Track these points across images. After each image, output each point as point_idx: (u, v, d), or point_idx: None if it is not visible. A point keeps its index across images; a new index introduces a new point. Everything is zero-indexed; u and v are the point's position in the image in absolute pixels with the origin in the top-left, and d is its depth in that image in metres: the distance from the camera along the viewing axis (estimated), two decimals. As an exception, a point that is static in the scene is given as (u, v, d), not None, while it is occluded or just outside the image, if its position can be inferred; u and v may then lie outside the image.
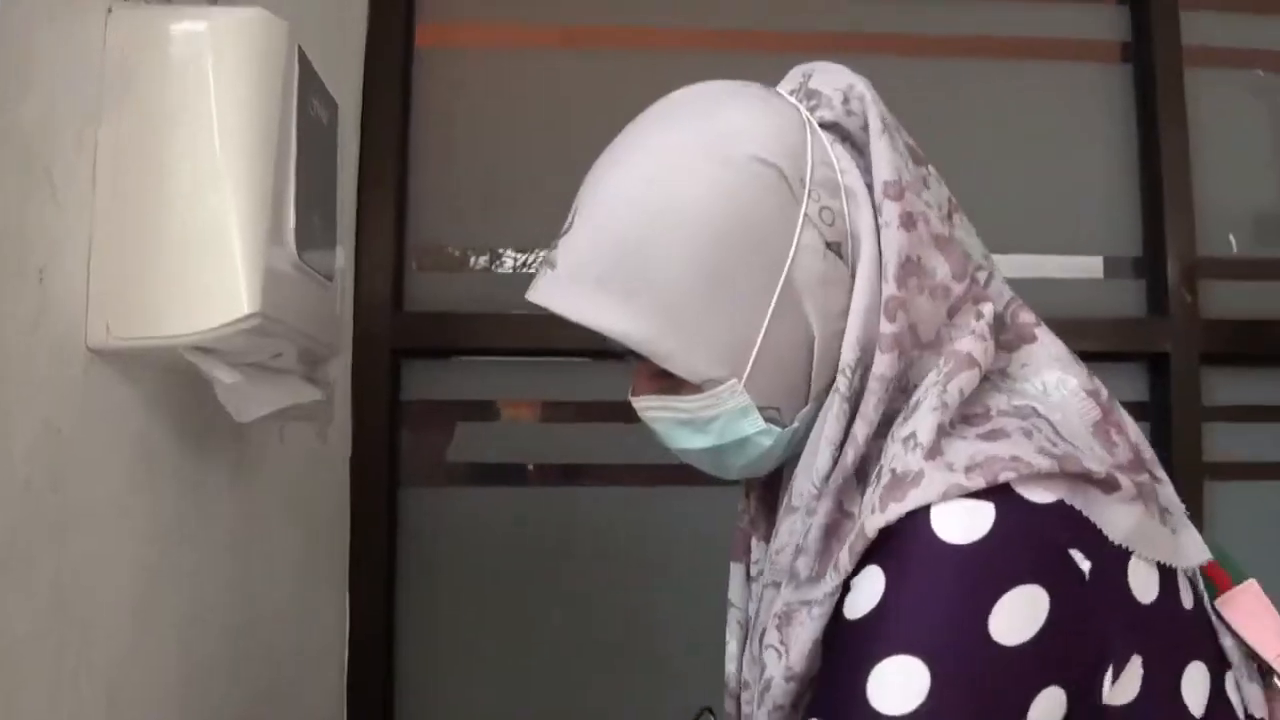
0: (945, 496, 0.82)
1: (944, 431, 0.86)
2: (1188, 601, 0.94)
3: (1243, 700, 0.95)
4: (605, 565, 2.08)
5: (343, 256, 1.33)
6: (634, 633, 2.07)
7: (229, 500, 1.33)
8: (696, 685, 1.24)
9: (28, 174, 0.87)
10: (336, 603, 1.92)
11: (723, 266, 0.89)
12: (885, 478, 0.86)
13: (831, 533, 0.90)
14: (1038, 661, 0.82)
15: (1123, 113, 2.26)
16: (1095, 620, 0.85)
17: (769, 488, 1.05)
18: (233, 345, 1.01)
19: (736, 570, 1.09)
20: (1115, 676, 0.86)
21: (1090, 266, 2.25)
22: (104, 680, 1.00)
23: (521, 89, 2.18)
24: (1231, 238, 2.29)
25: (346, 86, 1.94)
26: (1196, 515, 2.38)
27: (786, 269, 0.90)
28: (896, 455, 0.87)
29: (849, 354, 0.91)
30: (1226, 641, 0.96)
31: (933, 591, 0.82)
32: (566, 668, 2.07)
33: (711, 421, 0.94)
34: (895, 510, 0.84)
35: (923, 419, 0.87)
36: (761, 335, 0.90)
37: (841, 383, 0.91)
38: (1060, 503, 0.84)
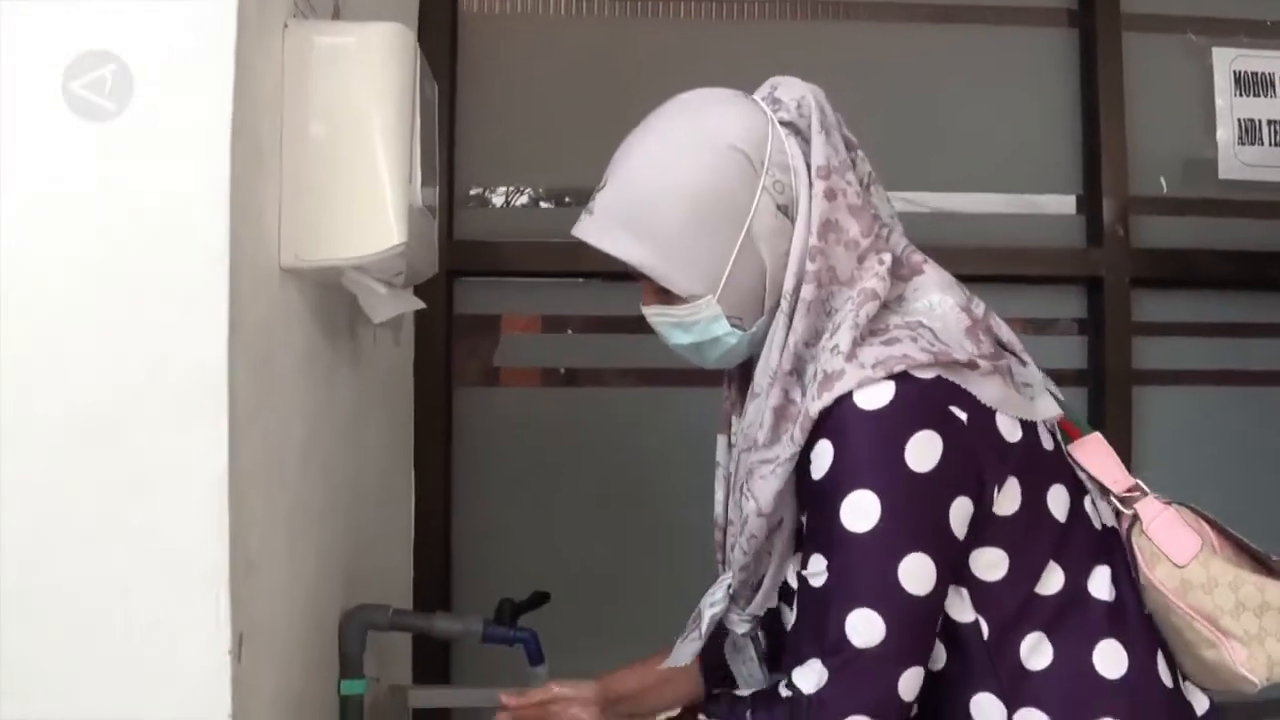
0: (860, 384, 1.22)
1: (856, 343, 1.25)
2: (1048, 444, 1.35)
3: (1099, 515, 1.37)
4: (622, 452, 2.50)
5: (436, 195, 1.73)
6: (651, 506, 2.49)
7: (348, 386, 1.73)
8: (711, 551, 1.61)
9: (242, 149, 1.25)
10: (405, 480, 2.34)
11: (705, 218, 1.30)
12: (819, 377, 1.25)
13: (779, 413, 1.31)
14: (944, 480, 1.23)
15: (1067, 71, 2.66)
16: (976, 452, 1.26)
17: (744, 379, 1.43)
18: (379, 266, 1.41)
19: (721, 440, 1.49)
20: (998, 490, 1.28)
21: (1037, 204, 2.69)
22: (287, 500, 1.40)
23: (550, 54, 2.60)
24: (1162, 180, 2.68)
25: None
26: (1125, 415, 2.79)
27: (748, 222, 1.30)
28: (825, 360, 1.26)
29: (788, 283, 1.31)
30: (1081, 475, 1.37)
31: (865, 444, 1.23)
32: (595, 534, 2.51)
33: (695, 324, 1.34)
34: (828, 397, 1.24)
35: (843, 335, 1.26)
36: (729, 266, 1.31)
37: (783, 303, 1.30)
38: (939, 378, 1.24)
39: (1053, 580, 1.30)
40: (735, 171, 1.30)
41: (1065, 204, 2.67)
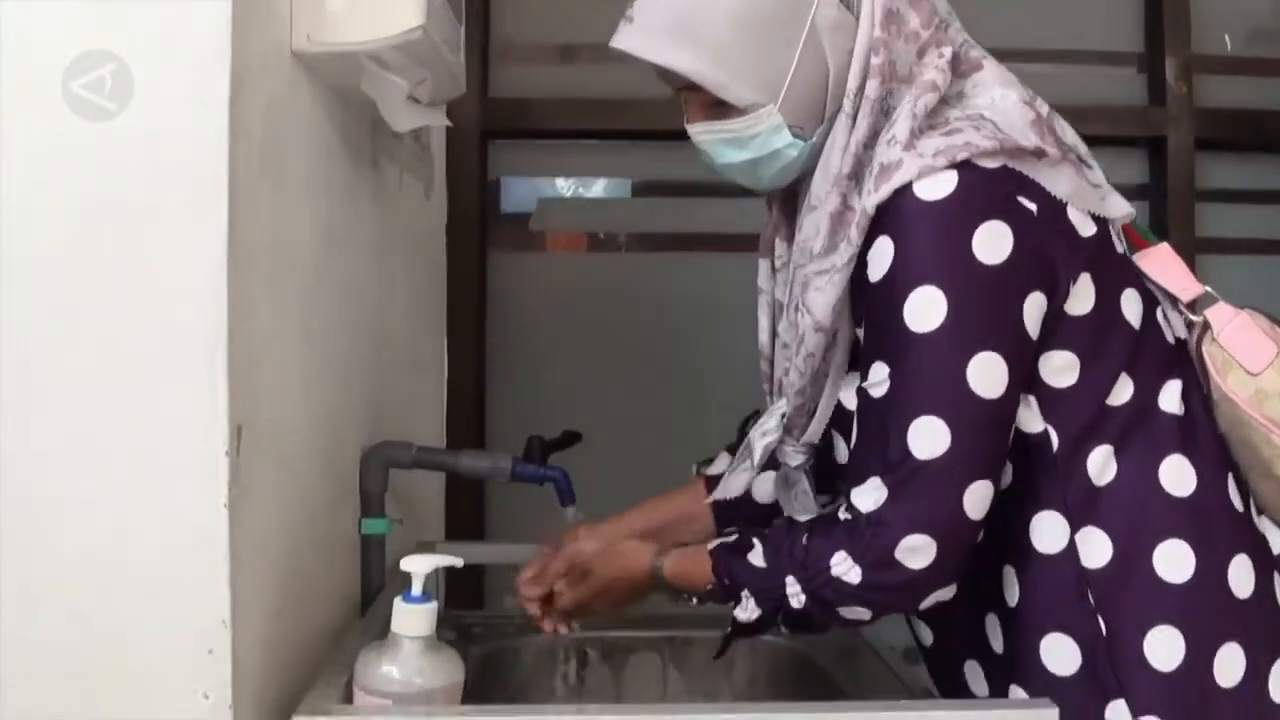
0: (920, 174, 1.13)
1: (914, 134, 1.16)
2: (1119, 248, 1.26)
3: (1170, 327, 1.27)
4: (663, 318, 2.42)
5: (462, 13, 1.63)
6: (692, 371, 2.41)
7: (370, 214, 1.64)
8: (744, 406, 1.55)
9: None
10: (437, 343, 2.26)
11: (763, 17, 1.19)
12: (875, 170, 1.17)
13: (837, 219, 1.21)
14: (1016, 273, 1.15)
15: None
16: (1049, 244, 1.18)
17: (788, 201, 1.34)
18: (398, 60, 1.32)
19: (763, 264, 1.40)
20: (1071, 286, 1.18)
21: (1096, 60, 2.55)
22: (298, 303, 1.32)
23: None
24: (1226, 38, 2.54)
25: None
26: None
27: (811, 17, 1.20)
28: (882, 153, 1.18)
29: (852, 81, 1.21)
30: (1149, 284, 1.27)
31: (928, 237, 1.15)
32: (634, 398, 2.43)
33: (753, 139, 1.23)
34: (885, 190, 1.15)
35: (900, 127, 1.17)
36: (793, 68, 1.21)
37: (846, 104, 1.21)
38: (1005, 167, 1.16)
39: (1123, 391, 1.22)
40: None
41: (1126, 60, 2.53)
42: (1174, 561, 1.19)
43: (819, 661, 1.66)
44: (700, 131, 1.27)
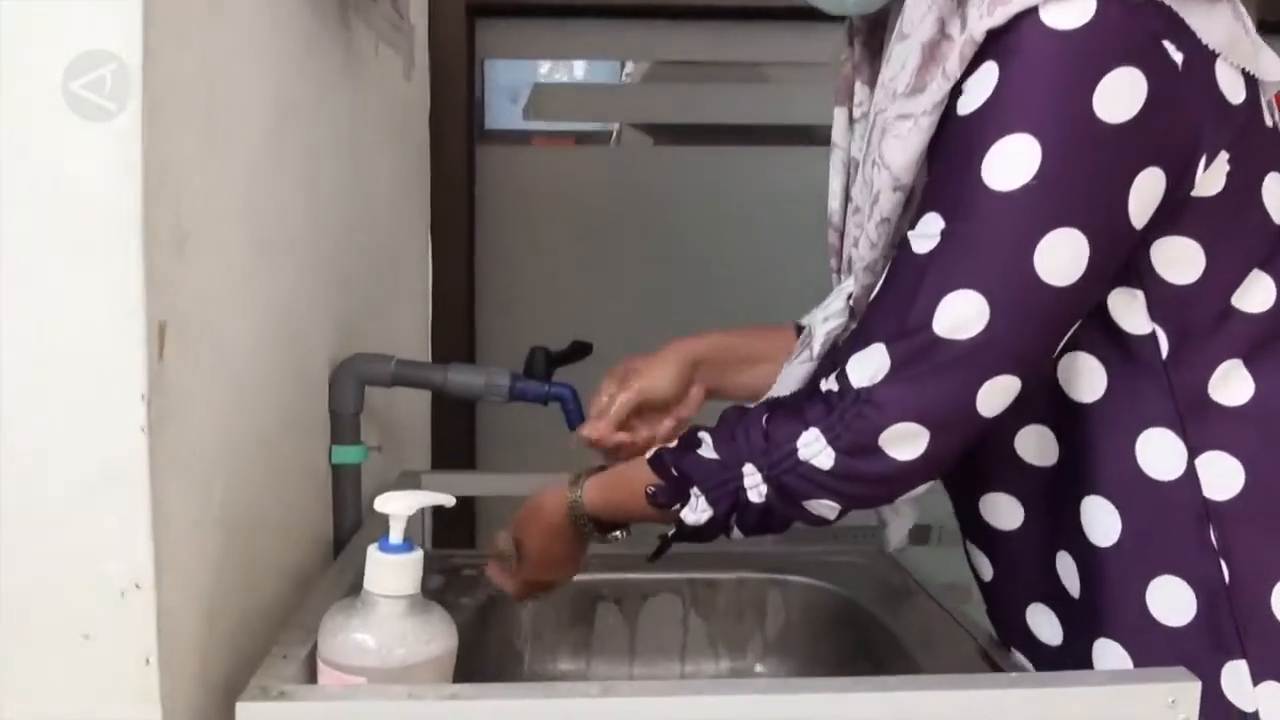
0: None
1: None
2: (1269, 120, 1.00)
3: None
4: (669, 214, 2.15)
5: None
6: (701, 271, 2.15)
7: (339, 83, 1.37)
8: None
9: None
10: (420, 243, 1.99)
11: None
12: None
13: (930, 52, 0.96)
14: (1138, 140, 0.90)
15: None
16: (1189, 109, 0.92)
17: (873, 35, 1.11)
18: None
19: (840, 113, 1.16)
20: (1206, 166, 0.94)
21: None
22: (242, 171, 1.06)
23: None
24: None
25: None
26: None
27: None
28: None
29: None
30: None
31: (1042, 73, 0.90)
32: (642, 305, 2.17)
33: None
34: (1002, 13, 0.89)
35: None
36: None
37: None
38: (1150, 1, 0.90)
39: (1258, 293, 0.99)
40: None
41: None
42: None
43: (862, 603, 1.46)
44: None
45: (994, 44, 0.91)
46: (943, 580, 1.43)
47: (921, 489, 1.00)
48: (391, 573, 0.92)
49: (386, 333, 1.66)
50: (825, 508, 1.01)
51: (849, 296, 1.09)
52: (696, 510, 1.05)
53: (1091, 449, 1.01)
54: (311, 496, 1.30)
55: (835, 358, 1.11)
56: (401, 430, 1.77)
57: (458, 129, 2.06)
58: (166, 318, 0.85)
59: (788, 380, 1.17)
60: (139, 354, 0.82)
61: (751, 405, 1.08)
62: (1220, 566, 0.98)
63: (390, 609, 0.91)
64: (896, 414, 0.94)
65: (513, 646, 1.50)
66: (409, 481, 1.59)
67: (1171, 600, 0.99)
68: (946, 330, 0.92)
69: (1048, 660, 1.10)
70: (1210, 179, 0.95)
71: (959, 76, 0.93)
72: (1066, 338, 0.98)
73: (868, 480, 0.97)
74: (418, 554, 0.93)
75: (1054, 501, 1.04)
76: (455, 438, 2.06)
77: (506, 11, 2.15)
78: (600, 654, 1.53)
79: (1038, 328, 0.94)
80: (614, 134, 2.24)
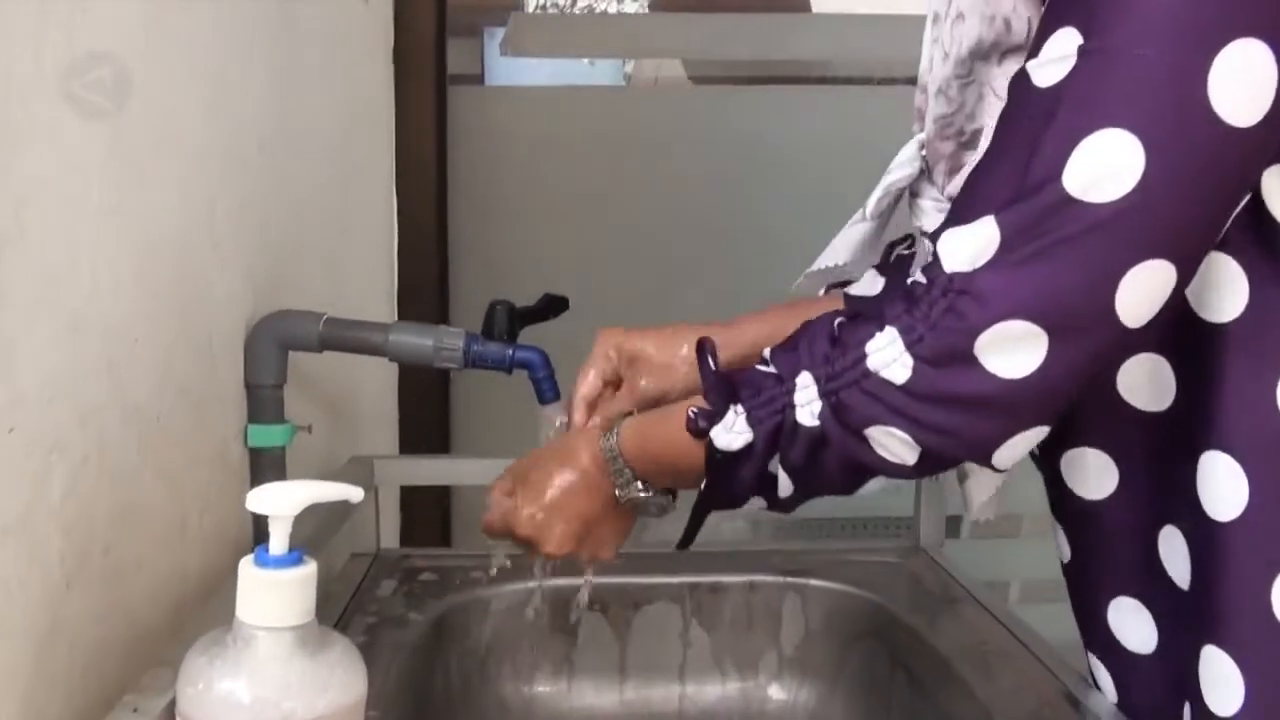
0: None
1: None
2: None
3: None
4: (654, 164, 1.91)
5: None
6: (694, 215, 1.92)
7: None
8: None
9: None
10: (383, 203, 1.73)
11: None
12: None
13: None
14: None
15: None
16: None
17: None
18: None
19: None
20: None
21: None
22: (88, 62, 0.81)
23: None
24: None
25: None
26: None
27: None
28: None
29: None
30: None
31: None
32: (632, 255, 1.93)
33: None
34: None
35: None
36: None
37: None
38: None
39: None
40: None
41: None
42: None
43: (897, 611, 1.22)
44: None
45: None
46: (979, 577, 1.24)
47: (1023, 447, 0.75)
48: (273, 596, 0.67)
49: (334, 288, 1.40)
50: (897, 442, 0.75)
51: (921, 145, 0.86)
52: (732, 431, 0.80)
53: (1220, 388, 0.76)
54: (219, 489, 1.05)
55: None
56: (357, 405, 1.52)
57: (425, 61, 1.80)
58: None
59: (840, 248, 0.93)
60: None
61: None
62: None
63: (271, 647, 0.66)
64: (1003, 306, 0.69)
65: (477, 664, 1.25)
66: (358, 469, 1.33)
67: None
68: (1081, 186, 0.67)
69: (1135, 673, 0.86)
70: None
71: None
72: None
73: (956, 403, 0.72)
74: (309, 568, 0.68)
75: (1162, 460, 0.80)
76: (426, 411, 1.79)
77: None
78: (584, 673, 1.29)
79: (1208, 190, 0.69)
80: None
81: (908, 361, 0.72)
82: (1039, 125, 0.69)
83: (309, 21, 1.32)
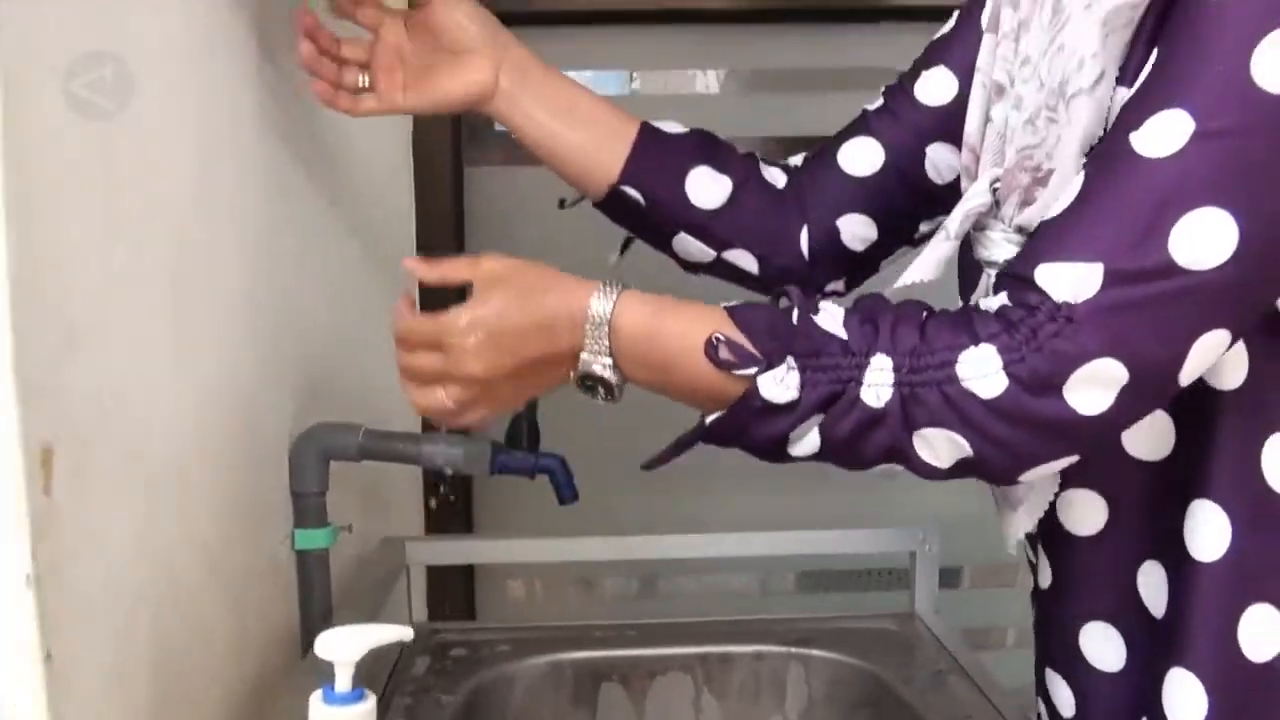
0: None
1: None
2: None
3: None
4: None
5: None
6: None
7: (289, 111, 1.22)
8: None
9: None
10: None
11: None
12: None
13: None
14: None
15: None
16: None
17: None
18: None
19: (988, 39, 0.99)
20: None
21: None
22: (166, 244, 0.91)
23: None
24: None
25: None
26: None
27: None
28: None
29: None
30: None
31: None
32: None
33: None
34: None
35: None
36: None
37: None
38: None
39: None
40: None
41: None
42: None
43: (891, 682, 1.32)
44: None
45: None
46: (975, 624, 1.27)
47: (1062, 464, 0.84)
48: (339, 731, 0.77)
49: (362, 393, 1.49)
50: (950, 447, 0.82)
51: (994, 181, 0.93)
52: (782, 384, 0.83)
53: (1213, 445, 0.85)
54: (270, 593, 1.15)
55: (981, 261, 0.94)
56: (387, 485, 1.62)
57: (443, 149, 1.89)
58: (54, 437, 0.70)
59: (926, 264, 0.95)
60: (18, 496, 0.67)
61: None
62: None
63: (339, 770, 0.76)
64: (1104, 344, 0.77)
65: (505, 734, 1.35)
66: (390, 551, 1.43)
67: (1265, 632, 0.85)
68: (1184, 253, 0.75)
69: (1097, 689, 0.94)
70: None
71: None
72: None
73: (1028, 426, 0.79)
74: (369, 703, 0.78)
75: (1152, 505, 0.89)
76: (449, 495, 1.87)
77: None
78: (605, 742, 1.39)
79: (1275, 271, 0.79)
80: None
81: (1002, 380, 0.78)
82: (1146, 192, 0.77)
83: (339, 139, 1.42)
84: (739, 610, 1.57)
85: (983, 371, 0.78)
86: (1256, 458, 0.84)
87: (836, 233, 1.13)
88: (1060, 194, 0.83)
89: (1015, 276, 0.81)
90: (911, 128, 1.10)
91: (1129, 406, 0.79)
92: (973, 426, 0.79)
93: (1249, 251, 0.75)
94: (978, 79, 0.99)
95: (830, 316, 0.84)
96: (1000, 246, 0.92)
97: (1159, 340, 0.77)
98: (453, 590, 1.78)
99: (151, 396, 0.87)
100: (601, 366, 0.88)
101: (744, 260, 1.15)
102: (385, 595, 1.35)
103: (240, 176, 1.09)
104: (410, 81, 1.10)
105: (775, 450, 0.86)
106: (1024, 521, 0.96)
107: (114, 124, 0.81)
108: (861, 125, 1.14)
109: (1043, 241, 0.81)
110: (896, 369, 0.81)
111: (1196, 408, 0.85)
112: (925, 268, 0.94)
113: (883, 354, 0.81)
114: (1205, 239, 0.75)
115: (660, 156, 1.14)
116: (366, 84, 1.10)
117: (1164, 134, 0.77)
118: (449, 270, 0.95)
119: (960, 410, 0.79)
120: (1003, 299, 0.81)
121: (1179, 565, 0.87)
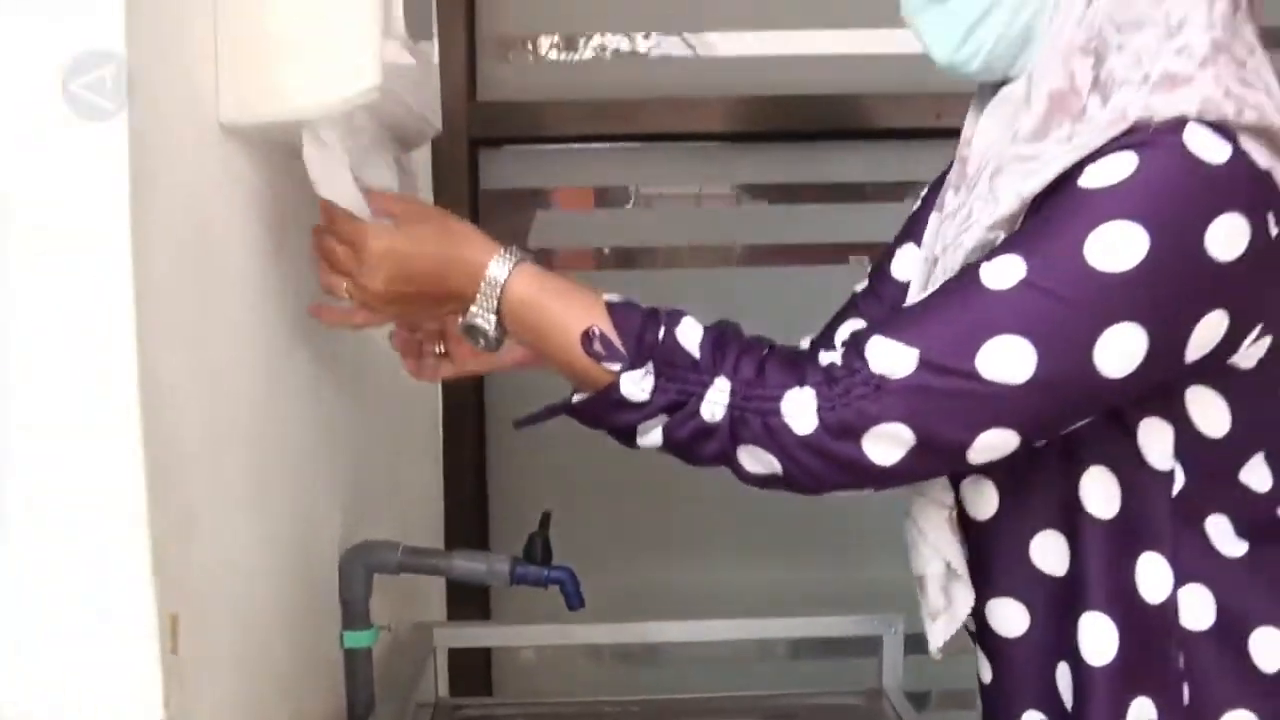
0: (1203, 111, 0.95)
1: (1217, 48, 0.98)
2: None
3: None
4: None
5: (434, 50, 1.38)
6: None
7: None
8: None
9: None
10: (430, 394, 2.03)
11: None
12: (1157, 77, 0.98)
13: (1058, 100, 1.02)
14: (1224, 282, 0.96)
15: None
16: (1266, 279, 0.99)
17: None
18: (347, 124, 1.08)
19: (934, 219, 1.18)
20: (1256, 338, 1.01)
21: None
22: (245, 424, 1.10)
23: None
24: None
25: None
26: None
27: None
28: (1168, 59, 0.98)
29: None
30: None
31: (1174, 185, 0.95)
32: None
33: None
34: (1165, 106, 0.96)
35: (1195, 35, 0.98)
36: None
37: None
38: (1268, 173, 0.97)
39: (1260, 474, 1.07)
40: None
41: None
42: (1269, 649, 1.06)
43: None
44: None
45: (1136, 134, 0.96)
46: (948, 687, 1.44)
47: (862, 493, 1.03)
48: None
49: (396, 509, 1.69)
50: (763, 463, 1.01)
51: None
52: (641, 386, 1.02)
53: (1098, 564, 1.05)
54: (322, 686, 1.34)
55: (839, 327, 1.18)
56: (419, 582, 1.81)
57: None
58: (178, 608, 0.89)
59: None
60: (152, 661, 0.86)
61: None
62: (1183, 691, 1.05)
63: None
64: (901, 414, 0.96)
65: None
66: (419, 635, 1.63)
67: (1149, 717, 1.05)
68: (987, 366, 0.95)
69: None
70: (1252, 352, 1.02)
71: (1094, 150, 0.97)
72: (1068, 433, 1.02)
73: (828, 460, 0.99)
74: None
75: (1059, 613, 1.08)
76: (469, 587, 2.04)
77: (510, 141, 2.17)
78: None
79: (1065, 406, 0.99)
80: (618, 255, 2.26)
81: (813, 422, 0.97)
82: (974, 311, 0.97)
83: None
84: (731, 670, 1.74)
85: (800, 411, 0.98)
86: (1132, 576, 1.05)
87: None
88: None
89: (854, 340, 1.01)
90: (893, 304, 1.25)
91: (917, 464, 0.99)
92: (785, 452, 0.99)
93: (1042, 382, 0.96)
94: (921, 253, 1.20)
95: (689, 332, 1.03)
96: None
97: (948, 424, 0.97)
98: (473, 658, 1.98)
99: (248, 557, 1.07)
100: (484, 321, 1.06)
101: None
102: (418, 678, 1.55)
103: (312, 342, 1.29)
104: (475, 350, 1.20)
105: (625, 437, 1.06)
106: (941, 631, 1.18)
107: (208, 340, 1.01)
108: (852, 308, 1.33)
109: (889, 319, 1.03)
110: (733, 393, 1.00)
111: (1085, 533, 1.06)
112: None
113: (724, 378, 1.00)
114: (1007, 361, 0.95)
115: None
116: (442, 351, 1.26)
117: (1004, 273, 0.97)
118: (382, 200, 1.12)
119: (777, 438, 0.99)
120: (836, 356, 1.00)
121: (1079, 667, 1.07)
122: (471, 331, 1.08)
